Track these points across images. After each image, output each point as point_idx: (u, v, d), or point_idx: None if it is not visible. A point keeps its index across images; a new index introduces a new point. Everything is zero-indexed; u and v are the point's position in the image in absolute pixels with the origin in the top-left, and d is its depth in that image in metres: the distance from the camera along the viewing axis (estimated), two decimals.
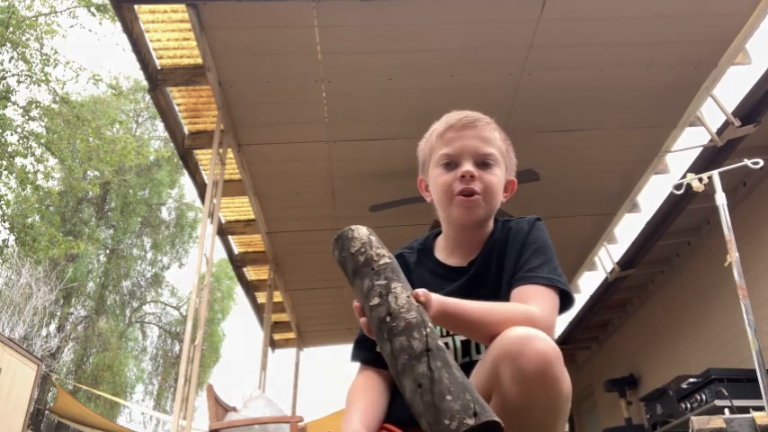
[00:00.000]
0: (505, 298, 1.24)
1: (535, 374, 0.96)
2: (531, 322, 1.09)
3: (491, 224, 1.40)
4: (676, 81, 4.34)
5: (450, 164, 1.34)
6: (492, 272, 1.31)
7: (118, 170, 16.63)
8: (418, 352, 0.90)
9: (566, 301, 1.25)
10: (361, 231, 1.07)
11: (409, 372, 0.90)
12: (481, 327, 1.10)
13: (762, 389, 2.95)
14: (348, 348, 1.39)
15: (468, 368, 1.14)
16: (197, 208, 20.52)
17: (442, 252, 1.41)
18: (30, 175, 11.28)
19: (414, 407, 0.89)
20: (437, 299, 1.05)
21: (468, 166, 1.31)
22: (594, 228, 6.19)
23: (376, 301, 0.97)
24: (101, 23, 12.70)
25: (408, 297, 0.97)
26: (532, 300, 1.19)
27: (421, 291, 1.01)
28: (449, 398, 0.85)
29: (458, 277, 1.33)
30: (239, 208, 5.85)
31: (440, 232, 1.45)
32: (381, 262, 1.02)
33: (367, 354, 1.31)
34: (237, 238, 6.35)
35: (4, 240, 11.96)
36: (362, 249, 1.04)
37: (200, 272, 4.05)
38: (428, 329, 0.93)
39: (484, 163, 1.34)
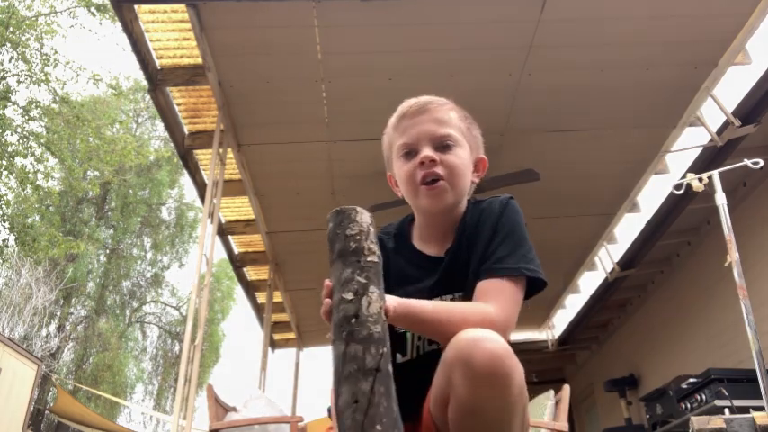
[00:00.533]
0: (472, 285, 1.24)
1: (485, 373, 0.97)
2: (487, 323, 1.09)
3: (463, 205, 1.36)
4: (676, 81, 4.34)
5: (410, 152, 1.31)
6: (464, 257, 1.29)
7: (118, 170, 16.63)
8: (368, 368, 0.88)
9: (537, 284, 1.24)
10: (364, 218, 1.04)
11: (352, 382, 0.88)
12: (438, 328, 1.11)
13: (762, 389, 2.95)
14: None
15: (434, 356, 1.15)
16: (197, 208, 20.52)
17: (419, 240, 1.38)
18: (30, 175, 11.28)
19: (339, 416, 0.88)
20: (398, 303, 1.05)
21: (426, 152, 1.28)
22: (594, 228, 6.19)
23: (350, 296, 0.95)
24: (101, 23, 12.70)
25: (380, 308, 0.95)
26: (493, 296, 1.19)
27: (391, 306, 1.00)
28: (378, 427, 0.84)
29: (435, 267, 1.31)
30: (239, 208, 5.85)
31: (412, 218, 1.43)
32: (369, 259, 0.99)
33: None
34: (237, 238, 6.35)
35: (4, 240, 11.96)
36: (358, 236, 1.00)
37: (200, 272, 4.05)
38: (385, 349, 0.91)
39: (444, 145, 1.30)
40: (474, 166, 1.38)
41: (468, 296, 1.27)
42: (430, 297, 1.27)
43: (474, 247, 1.28)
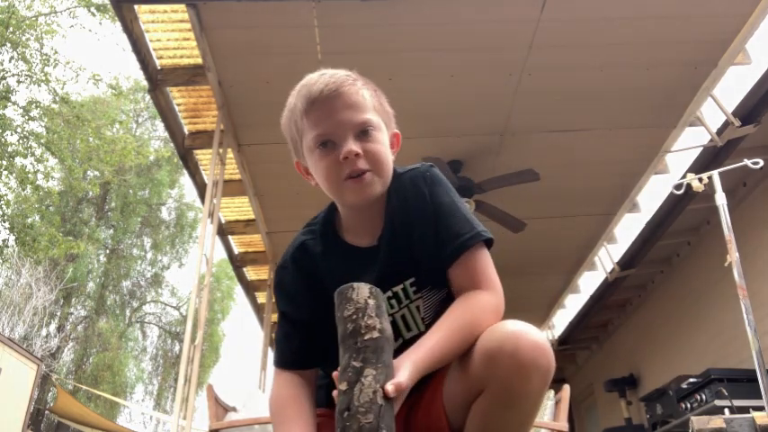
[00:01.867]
0: (430, 267, 1.22)
1: (533, 365, 1.01)
2: (495, 312, 1.14)
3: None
4: (676, 81, 4.34)
5: (327, 143, 1.19)
6: (401, 241, 1.23)
7: (118, 170, 16.61)
8: None
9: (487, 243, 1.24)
10: (362, 293, 1.00)
11: None
12: (461, 350, 1.10)
13: (762, 389, 2.95)
14: None
15: (400, 349, 1.12)
16: (197, 208, 20.51)
17: (348, 233, 1.30)
18: (30, 175, 11.27)
19: None
20: (409, 370, 1.00)
21: (348, 146, 1.16)
22: (594, 228, 6.19)
23: (344, 387, 0.93)
24: (101, 23, 12.70)
25: (374, 393, 0.91)
26: (473, 276, 1.18)
27: (391, 387, 0.94)
28: None
29: (373, 258, 1.24)
30: (239, 208, 5.84)
31: (336, 207, 1.33)
32: (367, 337, 0.95)
33: (290, 356, 1.27)
34: (237, 238, 6.35)
35: (4, 240, 11.96)
36: (354, 316, 0.97)
37: (200, 272, 4.05)
38: None
39: (363, 131, 1.19)
40: (390, 143, 1.28)
41: (421, 282, 1.24)
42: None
43: (413, 231, 1.23)
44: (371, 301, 1.00)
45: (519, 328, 1.04)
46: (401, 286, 1.24)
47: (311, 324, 1.24)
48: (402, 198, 1.25)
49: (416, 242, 1.23)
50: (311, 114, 1.21)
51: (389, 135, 1.28)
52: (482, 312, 1.14)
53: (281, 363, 1.28)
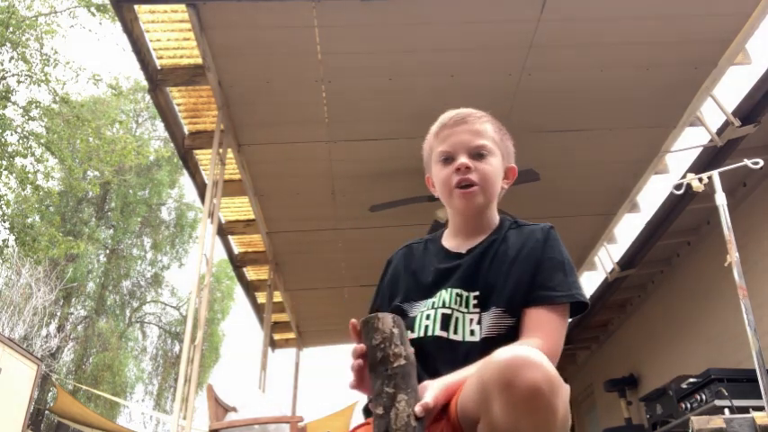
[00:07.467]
0: (509, 307, 1.29)
1: (525, 407, 0.92)
2: None
3: (495, 215, 1.47)
4: (676, 81, 4.34)
5: (448, 159, 1.42)
6: (485, 267, 1.36)
7: (118, 170, 16.62)
8: None
9: (580, 306, 1.31)
10: (386, 322, 1.08)
11: None
12: None
13: (762, 389, 2.95)
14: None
15: (443, 344, 1.27)
16: (197, 208, 20.51)
17: (448, 238, 1.49)
18: (30, 175, 11.26)
19: None
20: (433, 390, 1.09)
21: (462, 159, 1.39)
22: (594, 228, 6.19)
23: (380, 411, 1.01)
24: (101, 23, 12.68)
25: (408, 416, 1.00)
26: (543, 327, 1.25)
27: (419, 408, 1.02)
28: None
29: (452, 261, 1.40)
30: (239, 208, 5.85)
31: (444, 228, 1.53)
32: (396, 364, 1.04)
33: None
34: (237, 238, 6.35)
35: (4, 240, 11.95)
36: (382, 345, 1.06)
37: (200, 272, 4.05)
38: None
39: (478, 154, 1.41)
40: (504, 173, 1.49)
41: (484, 300, 1.32)
42: (440, 284, 1.37)
43: (502, 267, 1.34)
44: (396, 330, 1.07)
45: (517, 359, 0.94)
46: (465, 294, 1.34)
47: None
48: (516, 239, 1.39)
49: (512, 279, 1.32)
50: (440, 134, 1.46)
51: (505, 166, 1.49)
52: None
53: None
